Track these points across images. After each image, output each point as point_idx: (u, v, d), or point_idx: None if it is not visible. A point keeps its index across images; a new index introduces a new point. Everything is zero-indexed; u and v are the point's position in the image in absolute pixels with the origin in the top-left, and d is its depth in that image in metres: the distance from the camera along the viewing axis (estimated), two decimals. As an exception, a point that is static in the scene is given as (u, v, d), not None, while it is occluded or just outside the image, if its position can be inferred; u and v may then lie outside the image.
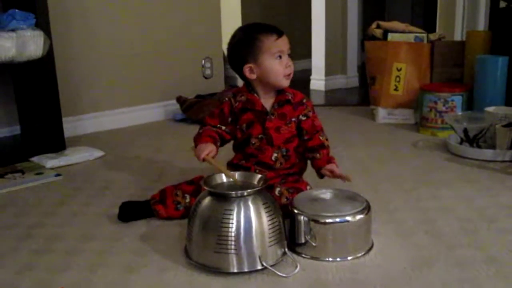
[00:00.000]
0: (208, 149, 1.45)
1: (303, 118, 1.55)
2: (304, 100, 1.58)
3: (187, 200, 1.50)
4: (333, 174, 1.48)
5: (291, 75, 1.53)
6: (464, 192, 1.69)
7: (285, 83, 1.53)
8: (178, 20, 2.98)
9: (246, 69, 1.52)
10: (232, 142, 1.61)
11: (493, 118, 2.10)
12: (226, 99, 1.59)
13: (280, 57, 1.50)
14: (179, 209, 1.49)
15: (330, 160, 1.52)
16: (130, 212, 1.51)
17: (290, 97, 1.55)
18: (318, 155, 1.53)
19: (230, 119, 1.57)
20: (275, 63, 1.50)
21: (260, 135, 1.54)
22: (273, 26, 1.53)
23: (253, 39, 1.50)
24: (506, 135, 2.00)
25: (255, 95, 1.55)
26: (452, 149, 2.14)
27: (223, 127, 1.56)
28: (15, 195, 1.78)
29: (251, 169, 1.53)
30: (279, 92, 1.55)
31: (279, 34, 1.50)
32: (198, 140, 1.51)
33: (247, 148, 1.55)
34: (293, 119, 1.55)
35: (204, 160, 1.43)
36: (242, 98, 1.56)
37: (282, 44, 1.50)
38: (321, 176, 1.54)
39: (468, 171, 1.91)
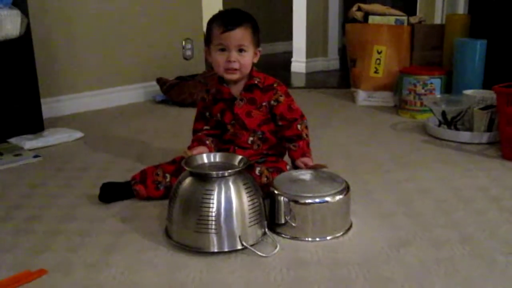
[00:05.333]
0: (196, 151, 1.48)
1: (274, 104, 1.54)
2: (275, 85, 1.56)
3: (168, 180, 1.50)
4: (307, 167, 1.48)
5: (237, 72, 1.50)
6: (441, 174, 1.72)
7: (227, 76, 1.52)
8: (159, 1, 2.95)
9: (205, 51, 1.56)
10: None
11: (471, 101, 2.13)
12: (200, 97, 1.63)
13: (224, 50, 1.49)
14: (160, 189, 1.50)
15: (305, 153, 1.51)
16: (110, 193, 1.51)
17: (257, 82, 1.55)
18: (293, 146, 1.52)
19: (207, 114, 1.60)
20: (217, 55, 1.51)
21: (232, 121, 1.55)
22: (233, 17, 1.49)
23: (209, 26, 1.52)
24: (483, 117, 2.03)
25: (224, 84, 1.56)
26: (430, 131, 2.17)
27: (208, 127, 1.61)
28: (-7, 176, 1.76)
29: (230, 149, 1.55)
30: (249, 77, 1.55)
31: (227, 28, 1.46)
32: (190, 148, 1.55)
33: (225, 135, 1.57)
34: (264, 104, 1.54)
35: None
36: (213, 91, 1.59)
37: (226, 38, 1.47)
38: (295, 166, 1.53)
39: (445, 153, 1.94)
